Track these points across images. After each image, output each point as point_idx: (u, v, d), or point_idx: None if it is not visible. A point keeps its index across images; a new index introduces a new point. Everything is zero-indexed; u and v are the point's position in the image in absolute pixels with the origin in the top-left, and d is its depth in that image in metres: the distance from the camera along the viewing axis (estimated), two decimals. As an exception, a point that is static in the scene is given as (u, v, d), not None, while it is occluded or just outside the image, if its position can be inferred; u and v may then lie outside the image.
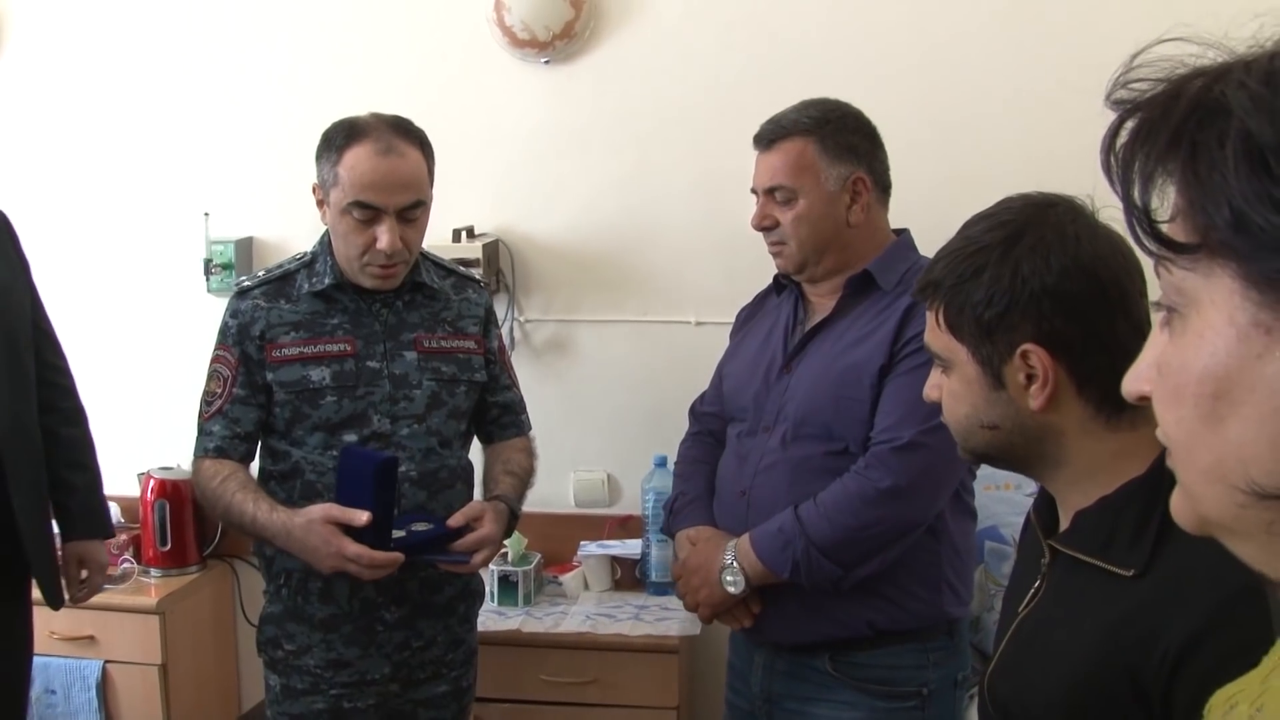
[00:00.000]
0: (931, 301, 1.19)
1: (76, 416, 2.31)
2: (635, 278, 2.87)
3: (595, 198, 2.87)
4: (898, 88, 2.66)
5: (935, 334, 1.20)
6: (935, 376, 1.24)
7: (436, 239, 2.76)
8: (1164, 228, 0.61)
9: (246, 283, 2.02)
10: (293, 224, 2.93)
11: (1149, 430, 1.02)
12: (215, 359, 2.00)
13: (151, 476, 2.87)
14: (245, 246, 2.95)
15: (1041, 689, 1.15)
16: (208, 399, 2.00)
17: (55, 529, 2.28)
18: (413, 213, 1.90)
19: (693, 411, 2.18)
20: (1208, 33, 0.63)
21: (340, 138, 1.89)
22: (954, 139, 2.70)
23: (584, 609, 2.72)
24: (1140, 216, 0.62)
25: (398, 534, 1.89)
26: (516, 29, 2.76)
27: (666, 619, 2.64)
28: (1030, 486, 2.35)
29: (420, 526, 1.93)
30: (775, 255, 1.91)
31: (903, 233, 1.94)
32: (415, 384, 1.98)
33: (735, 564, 1.80)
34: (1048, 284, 1.12)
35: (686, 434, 2.16)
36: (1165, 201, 0.62)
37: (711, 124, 2.79)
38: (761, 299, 2.11)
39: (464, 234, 2.77)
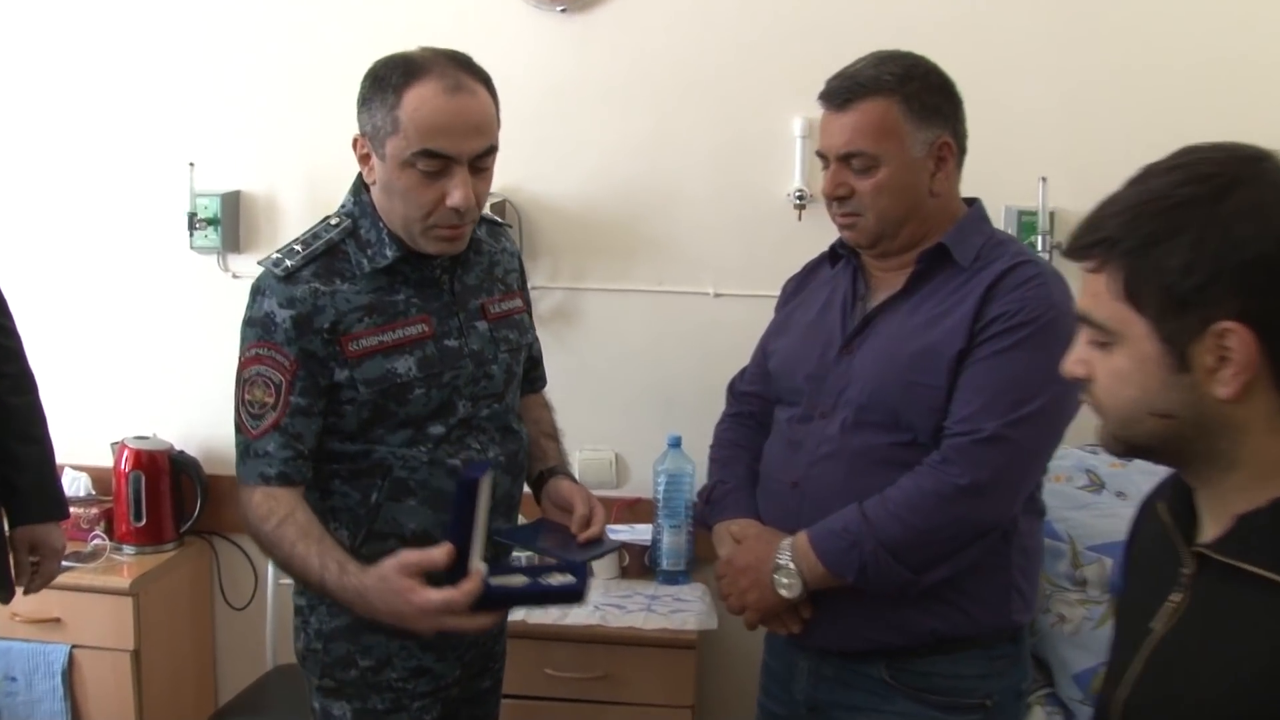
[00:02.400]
0: (1101, 263, 1.01)
1: (25, 383, 2.05)
2: (650, 244, 2.70)
3: (610, 158, 2.68)
4: (938, 47, 2.48)
5: (1101, 302, 1.02)
6: (1084, 350, 1.07)
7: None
8: None
9: (288, 263, 1.63)
10: (284, 176, 2.74)
11: None
12: (256, 359, 1.62)
13: (126, 446, 2.67)
14: (232, 200, 2.73)
15: None
16: (253, 411, 1.63)
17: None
18: (484, 160, 1.64)
19: (732, 389, 2.00)
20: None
21: (397, 76, 1.58)
22: (998, 104, 2.53)
23: (591, 598, 2.54)
24: None
25: (512, 581, 1.60)
26: (533, -27, 2.56)
27: (681, 611, 2.48)
28: (1082, 479, 2.20)
29: (557, 579, 1.62)
30: (846, 228, 1.72)
31: (974, 202, 1.77)
32: (491, 359, 1.74)
33: (791, 565, 1.63)
34: (1264, 252, 0.95)
35: (724, 414, 1.99)
36: None
37: (738, 81, 2.63)
38: (812, 269, 1.94)
39: (470, 193, 2.57)
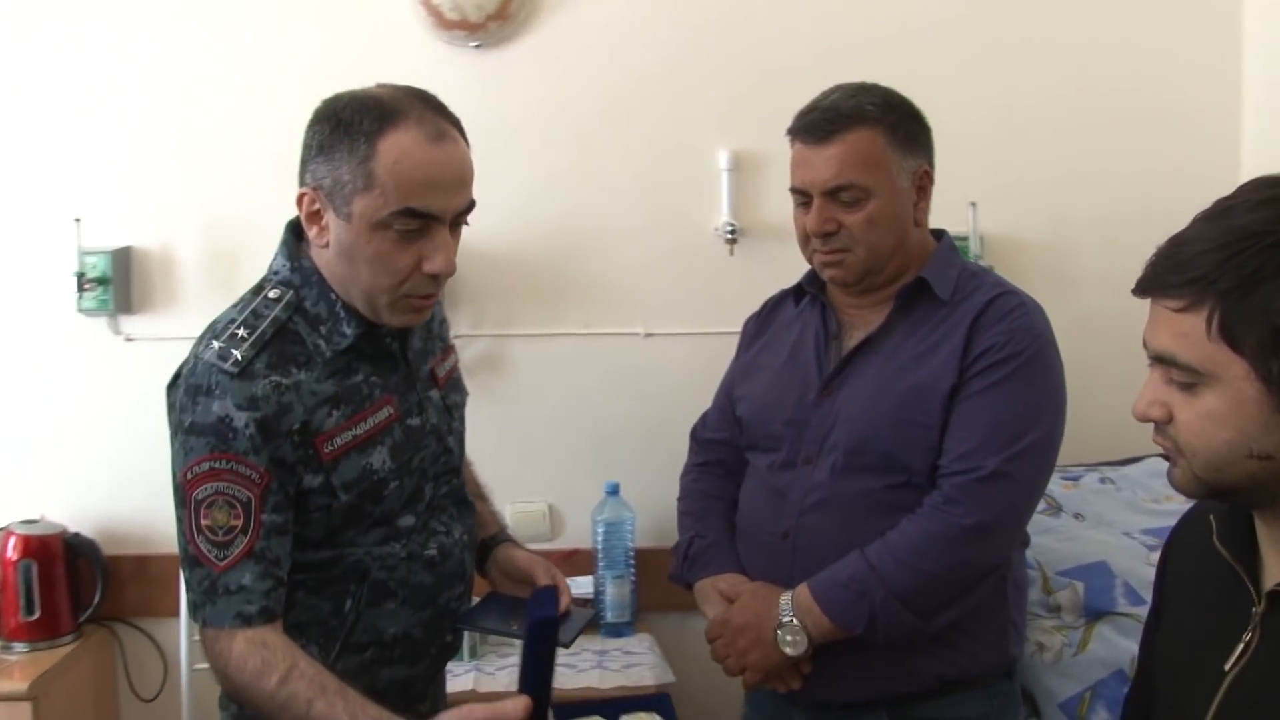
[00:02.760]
0: (1192, 303, 0.97)
1: None
2: (577, 286, 2.61)
3: (532, 198, 2.58)
4: (865, 77, 2.48)
5: (1191, 343, 0.98)
6: (1160, 391, 1.03)
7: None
8: None
9: (237, 354, 1.36)
10: (179, 230, 2.56)
11: None
12: (212, 475, 1.35)
13: (13, 533, 2.41)
14: (123, 258, 2.52)
15: None
16: (216, 537, 1.35)
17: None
18: (463, 218, 1.45)
19: (695, 437, 1.93)
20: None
21: (369, 121, 1.35)
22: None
23: (538, 659, 2.42)
24: None
25: None
26: (445, 9, 2.45)
27: (634, 665, 2.38)
28: (1040, 504, 2.19)
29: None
30: (830, 265, 1.66)
31: (942, 234, 1.74)
32: (447, 430, 1.56)
33: (795, 621, 1.55)
34: None
35: (689, 464, 1.91)
36: None
37: (660, 115, 2.57)
38: (773, 307, 1.88)
39: (388, 240, 2.43)
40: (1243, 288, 0.95)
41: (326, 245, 1.41)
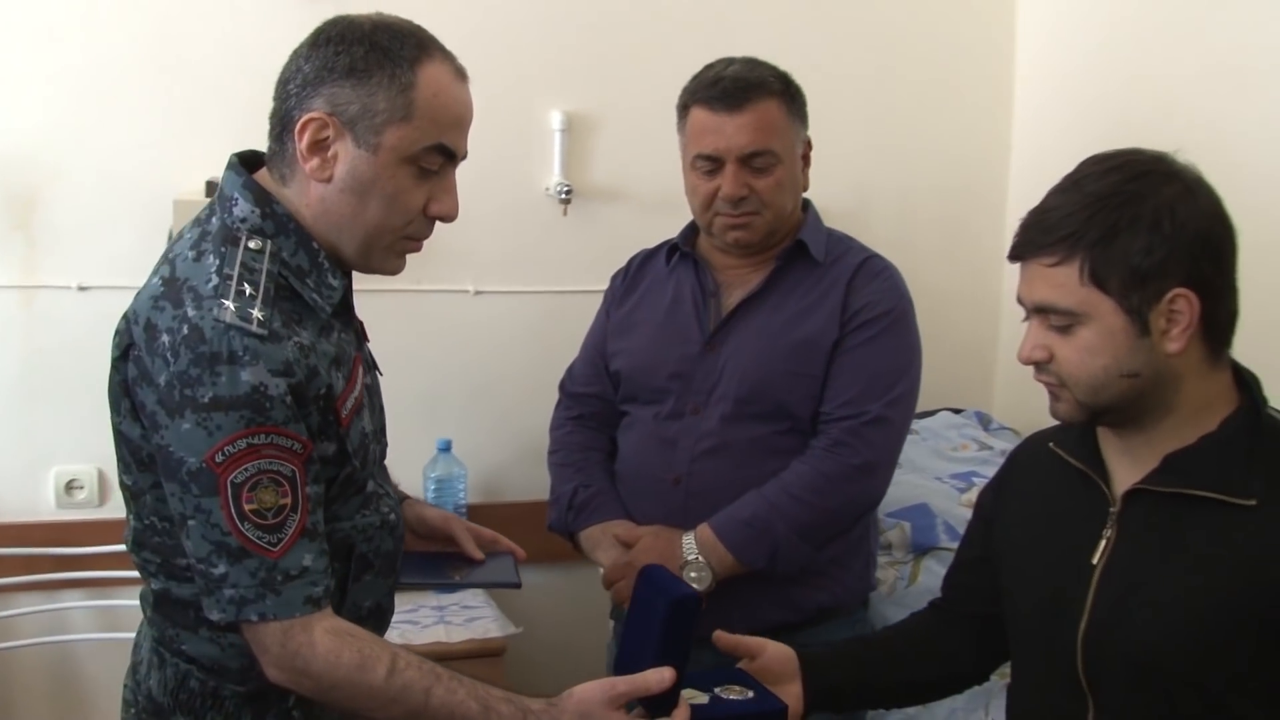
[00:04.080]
0: (1065, 257, 1.16)
1: None
2: (406, 242, 2.57)
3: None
4: (698, 47, 2.59)
5: (1066, 291, 1.17)
6: (1041, 336, 1.21)
7: (190, 192, 2.30)
8: None
9: (258, 314, 1.20)
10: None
11: (1228, 371, 1.17)
12: (252, 453, 1.18)
13: None
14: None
15: (1172, 633, 1.16)
16: (267, 523, 1.19)
17: None
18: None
19: (565, 391, 1.97)
20: None
21: (410, 48, 1.25)
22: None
23: (376, 618, 2.40)
24: None
25: (694, 698, 1.36)
26: (278, -54, 2.34)
27: (477, 619, 2.40)
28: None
29: (733, 693, 1.40)
30: (738, 228, 1.75)
31: (808, 204, 1.87)
32: (378, 388, 1.47)
33: (700, 559, 1.65)
34: (1201, 229, 1.16)
35: (561, 417, 1.95)
36: None
37: (494, 73, 2.49)
38: (640, 265, 1.95)
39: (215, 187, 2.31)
40: (1105, 239, 1.15)
41: (328, 179, 1.26)
